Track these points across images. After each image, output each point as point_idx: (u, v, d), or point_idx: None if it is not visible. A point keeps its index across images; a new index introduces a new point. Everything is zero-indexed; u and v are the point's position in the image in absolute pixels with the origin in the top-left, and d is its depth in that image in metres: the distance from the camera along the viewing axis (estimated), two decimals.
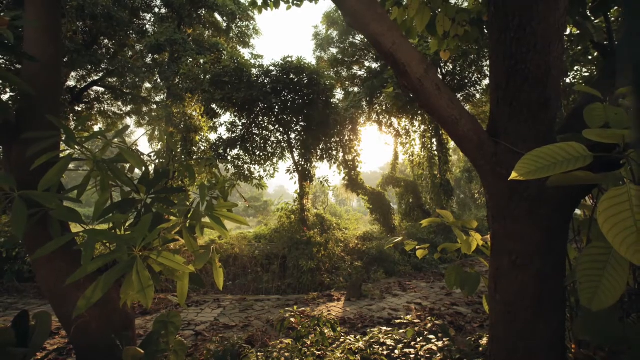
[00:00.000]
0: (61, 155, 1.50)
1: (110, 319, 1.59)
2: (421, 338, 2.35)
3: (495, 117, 1.61)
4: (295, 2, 4.68)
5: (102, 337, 1.53)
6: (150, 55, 12.65)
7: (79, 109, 13.53)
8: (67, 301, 1.54)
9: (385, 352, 2.17)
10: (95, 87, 14.04)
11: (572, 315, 1.83)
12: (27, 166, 1.47)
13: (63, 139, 1.30)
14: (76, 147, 1.28)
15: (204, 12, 14.06)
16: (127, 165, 1.82)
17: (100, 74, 13.32)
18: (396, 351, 2.19)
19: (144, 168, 1.59)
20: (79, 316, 1.47)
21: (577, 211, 1.76)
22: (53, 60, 1.70)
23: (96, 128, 14.79)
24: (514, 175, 1.16)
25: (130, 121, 17.07)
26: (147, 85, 14.83)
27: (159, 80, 13.05)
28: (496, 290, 1.69)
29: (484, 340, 2.33)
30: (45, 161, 1.28)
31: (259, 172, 11.01)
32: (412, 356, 2.11)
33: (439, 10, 2.98)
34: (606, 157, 1.13)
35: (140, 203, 1.61)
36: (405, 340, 2.39)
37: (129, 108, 15.67)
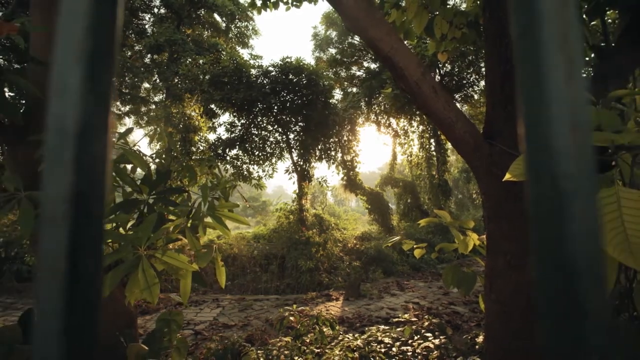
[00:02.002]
0: None
1: (113, 317, 1.62)
2: (418, 336, 2.39)
3: (491, 120, 1.64)
4: (294, 3, 4.70)
5: (105, 334, 1.56)
6: (149, 55, 12.65)
7: None
8: None
9: (383, 350, 2.21)
10: None
11: None
12: (33, 167, 1.49)
13: None
14: None
15: (203, 12, 14.07)
16: (129, 166, 1.85)
17: None
18: (394, 349, 2.23)
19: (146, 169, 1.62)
20: None
21: None
22: None
23: None
24: (508, 176, 1.19)
25: (129, 121, 17.06)
26: (146, 85, 14.82)
27: (158, 80, 13.05)
28: (492, 290, 1.72)
29: (480, 339, 2.37)
30: None
31: (257, 172, 11.03)
32: (409, 354, 2.15)
33: (437, 12, 3.02)
34: (597, 159, 1.17)
35: (142, 203, 1.64)
36: (403, 339, 2.43)
37: (127, 108, 15.65)
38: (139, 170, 1.70)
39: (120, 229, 1.57)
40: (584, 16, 2.85)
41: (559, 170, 0.08)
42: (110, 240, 1.62)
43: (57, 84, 0.09)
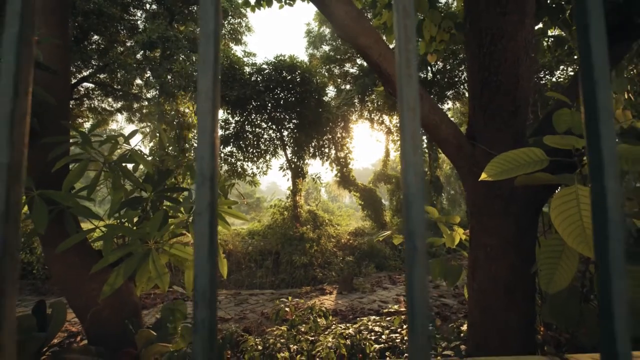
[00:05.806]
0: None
1: (121, 307, 1.72)
2: (407, 325, 2.51)
3: (472, 122, 1.77)
4: (287, 0, 4.77)
5: (113, 323, 1.67)
6: (141, 51, 12.57)
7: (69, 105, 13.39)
8: (80, 292, 1.66)
9: (373, 337, 2.34)
10: (85, 84, 13.90)
11: (542, 302, 2.01)
12: (45, 167, 1.58)
13: (79, 142, 1.42)
14: (91, 150, 1.40)
15: (195, 8, 13.98)
16: (131, 166, 1.95)
17: (91, 70, 13.18)
18: (383, 336, 2.37)
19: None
20: (91, 305, 1.60)
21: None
22: (64, 69, 1.81)
23: (86, 125, 14.64)
24: (483, 176, 1.31)
25: (121, 118, 16.93)
26: (139, 81, 14.71)
27: (150, 77, 12.97)
28: (474, 280, 1.86)
29: (465, 327, 2.51)
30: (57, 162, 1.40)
31: (251, 169, 11.11)
32: (398, 340, 2.29)
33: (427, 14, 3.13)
34: (560, 160, 1.30)
35: (146, 201, 1.74)
36: (392, 327, 2.57)
37: (119, 104, 15.53)
38: (144, 169, 1.79)
39: (126, 224, 1.67)
40: (568, 18, 2.99)
41: (409, 191, 0.19)
42: (116, 236, 1.72)
43: (200, 150, 0.20)
